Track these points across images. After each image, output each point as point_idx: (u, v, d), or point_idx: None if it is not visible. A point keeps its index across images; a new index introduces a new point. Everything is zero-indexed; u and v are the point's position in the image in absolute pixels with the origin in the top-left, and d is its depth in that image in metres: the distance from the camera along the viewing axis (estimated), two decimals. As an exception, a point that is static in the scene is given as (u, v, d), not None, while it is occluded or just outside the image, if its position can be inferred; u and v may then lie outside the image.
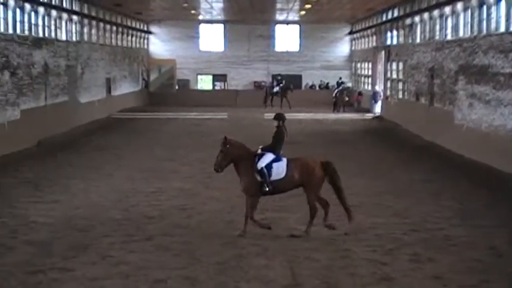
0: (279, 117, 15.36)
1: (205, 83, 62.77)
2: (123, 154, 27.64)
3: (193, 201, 18.36)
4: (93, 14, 43.27)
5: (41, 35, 33.18)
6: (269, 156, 14.78)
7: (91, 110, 41.24)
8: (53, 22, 35.14)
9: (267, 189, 14.68)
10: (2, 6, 28.01)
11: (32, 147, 29.02)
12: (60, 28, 36.54)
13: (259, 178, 14.68)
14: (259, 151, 14.89)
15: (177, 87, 60.33)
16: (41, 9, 33.17)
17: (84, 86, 40.65)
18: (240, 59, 61.35)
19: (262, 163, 14.66)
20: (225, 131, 37.67)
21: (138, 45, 57.71)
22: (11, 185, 20.36)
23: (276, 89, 54.12)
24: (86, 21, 41.54)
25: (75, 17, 39.14)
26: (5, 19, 28.44)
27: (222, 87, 62.33)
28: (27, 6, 31.21)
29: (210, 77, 62.51)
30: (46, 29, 34.07)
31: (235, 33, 60.96)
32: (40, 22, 33.19)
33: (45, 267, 12.33)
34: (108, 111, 45.00)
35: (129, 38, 54.55)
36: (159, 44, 61.58)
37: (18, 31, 29.80)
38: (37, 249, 13.50)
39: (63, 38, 37.01)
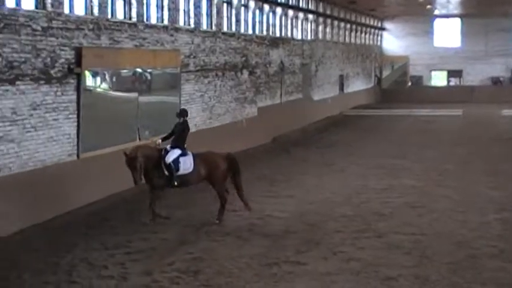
0: (183, 113, 15.97)
1: (438, 79, 61.50)
2: (355, 151, 27.82)
3: (424, 199, 18.09)
4: (328, 12, 43.87)
5: (277, 34, 34.15)
6: (176, 152, 15.13)
7: (324, 107, 41.87)
8: (289, 22, 36.07)
9: (176, 183, 15.12)
10: (243, 8, 29.18)
11: (268, 143, 29.97)
12: (296, 27, 37.42)
13: (166, 173, 15.03)
14: (160, 144, 15.56)
15: (409, 84, 59.65)
16: (279, 10, 34.14)
17: (318, 83, 41.38)
18: (477, 54, 59.32)
19: (170, 158, 15.00)
20: (459, 128, 36.82)
21: (371, 42, 57.71)
22: (248, 180, 21.03)
23: None
24: (320, 19, 42.21)
25: (310, 16, 39.90)
26: (246, 20, 29.62)
27: (457, 83, 60.69)
28: (266, 7, 32.26)
29: (445, 73, 61.10)
30: (283, 28, 35.03)
31: (472, 27, 59.08)
32: (277, 22, 34.19)
33: (279, 260, 12.69)
34: (340, 108, 45.47)
35: (363, 35, 54.69)
36: (393, 40, 61.23)
37: (257, 31, 30.91)
38: (272, 243, 13.95)
39: (299, 37, 37.86)
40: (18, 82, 15.07)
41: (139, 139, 20.21)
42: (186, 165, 15.15)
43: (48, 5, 16.16)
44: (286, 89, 34.98)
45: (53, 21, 16.27)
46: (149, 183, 15.27)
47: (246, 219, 15.88)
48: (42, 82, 15.87)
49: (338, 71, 46.69)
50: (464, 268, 12.05)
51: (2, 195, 14.21)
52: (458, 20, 59.94)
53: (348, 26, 49.80)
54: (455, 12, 57.64)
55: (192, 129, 23.92)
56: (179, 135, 15.58)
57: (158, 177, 15.13)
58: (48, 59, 16.09)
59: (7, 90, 14.75)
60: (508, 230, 14.70)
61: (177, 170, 15.08)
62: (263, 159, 25.60)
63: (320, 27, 42.30)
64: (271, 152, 27.84)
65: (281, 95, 34.09)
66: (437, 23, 60.46)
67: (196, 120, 24.37)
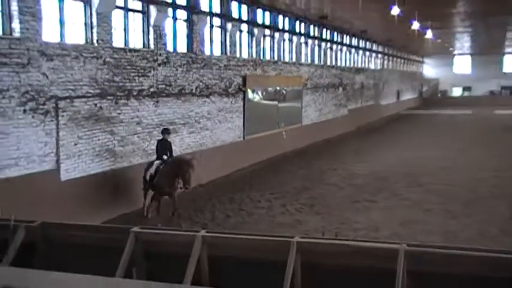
0: (169, 131, 10.48)
1: (457, 92, 56.87)
2: (408, 134, 26.07)
3: (450, 163, 16.40)
4: (390, 52, 41.37)
5: (359, 65, 32.50)
6: None
7: (387, 109, 39.65)
8: (367, 58, 34.28)
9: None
10: (339, 52, 27.77)
11: (354, 130, 28.67)
12: (371, 61, 35.52)
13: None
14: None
15: (439, 95, 55.74)
16: (360, 52, 32.35)
17: (383, 95, 39.22)
18: (480, 77, 54.16)
19: None
20: (469, 121, 33.78)
21: (416, 69, 54.20)
22: (343, 152, 20.20)
23: None
24: (385, 57, 39.90)
25: (379, 55, 37.77)
26: (341, 58, 28.12)
27: (468, 94, 55.92)
28: (353, 51, 30.59)
29: (460, 88, 56.47)
30: (363, 62, 33.28)
31: (478, 61, 54.06)
32: (359, 58, 32.44)
33: (360, 198, 11.92)
34: (397, 110, 42.94)
35: (411, 66, 51.40)
36: (429, 69, 57.26)
37: (348, 64, 29.43)
38: (356, 189, 13.09)
39: (372, 67, 35.95)
40: (211, 96, 14.87)
41: (278, 127, 19.69)
42: None
43: (228, 52, 15.88)
44: (365, 98, 33.33)
45: (231, 61, 15.95)
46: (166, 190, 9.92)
47: (341, 176, 14.97)
48: (224, 96, 15.60)
49: (396, 88, 44.12)
50: None
51: (206, 159, 13.87)
52: (469, 57, 55.08)
53: (403, 60, 46.84)
54: (467, 51, 52.99)
55: (308, 122, 23.19)
56: (171, 150, 10.43)
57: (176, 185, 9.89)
58: (227, 83, 15.79)
59: (205, 101, 14.59)
60: (499, 180, 13.04)
61: None
62: (351, 140, 24.36)
63: (385, 62, 39.97)
64: (356, 135, 26.52)
65: (361, 101, 32.52)
66: (456, 58, 55.82)
67: (311, 117, 23.54)
